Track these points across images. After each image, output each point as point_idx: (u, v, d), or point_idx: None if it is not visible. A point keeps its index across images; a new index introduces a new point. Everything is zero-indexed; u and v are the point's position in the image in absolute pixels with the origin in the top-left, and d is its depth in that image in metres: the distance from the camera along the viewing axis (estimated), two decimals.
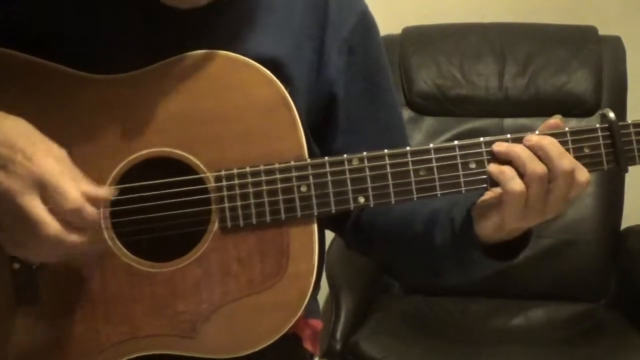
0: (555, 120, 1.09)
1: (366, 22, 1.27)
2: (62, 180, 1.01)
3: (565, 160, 1.04)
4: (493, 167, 1.07)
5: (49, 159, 1.02)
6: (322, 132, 1.23)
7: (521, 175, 1.05)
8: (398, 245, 1.24)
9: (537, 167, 1.04)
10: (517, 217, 1.06)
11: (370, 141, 1.19)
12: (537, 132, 1.08)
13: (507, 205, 1.05)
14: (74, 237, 1.02)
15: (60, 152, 1.04)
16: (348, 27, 1.24)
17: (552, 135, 1.07)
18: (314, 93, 1.22)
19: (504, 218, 1.06)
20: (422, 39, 2.80)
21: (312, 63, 1.22)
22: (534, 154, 1.05)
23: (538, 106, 2.68)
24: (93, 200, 1.02)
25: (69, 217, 1.01)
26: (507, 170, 1.05)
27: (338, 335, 2.36)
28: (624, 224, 2.72)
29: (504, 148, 1.07)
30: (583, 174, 1.06)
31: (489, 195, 1.10)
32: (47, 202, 1.00)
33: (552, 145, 1.05)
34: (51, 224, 1.00)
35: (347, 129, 1.24)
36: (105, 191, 1.05)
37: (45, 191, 1.00)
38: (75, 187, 1.01)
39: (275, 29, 1.19)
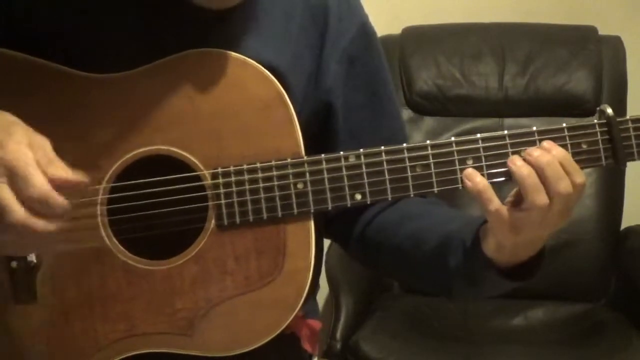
0: None
1: (366, 32, 1.27)
2: (30, 167, 0.98)
3: (562, 182, 1.02)
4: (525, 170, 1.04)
5: (22, 146, 0.99)
6: (322, 142, 1.23)
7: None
8: (407, 264, 1.23)
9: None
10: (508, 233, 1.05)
11: None
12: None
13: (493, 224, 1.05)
14: (40, 224, 0.99)
15: (38, 141, 1.01)
16: (348, 37, 1.24)
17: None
18: (312, 102, 1.22)
19: (496, 235, 1.06)
20: (422, 39, 2.80)
21: (310, 72, 1.22)
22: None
23: (538, 106, 2.68)
24: (64, 185, 1.00)
25: (36, 205, 0.98)
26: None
27: (338, 335, 2.36)
28: (624, 224, 2.71)
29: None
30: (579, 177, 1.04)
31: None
32: (15, 189, 0.98)
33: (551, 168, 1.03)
34: (17, 210, 0.97)
35: (347, 139, 1.24)
36: (75, 176, 1.01)
37: (14, 178, 0.97)
38: (43, 174, 0.98)
39: (274, 38, 1.19)
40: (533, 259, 1.09)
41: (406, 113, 2.71)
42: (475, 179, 1.05)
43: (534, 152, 1.04)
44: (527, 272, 1.10)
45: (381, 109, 1.28)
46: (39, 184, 0.97)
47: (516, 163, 1.04)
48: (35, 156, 0.99)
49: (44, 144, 1.01)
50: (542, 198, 1.02)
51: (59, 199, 0.99)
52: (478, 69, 2.73)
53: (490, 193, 1.04)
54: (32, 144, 0.99)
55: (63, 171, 1.00)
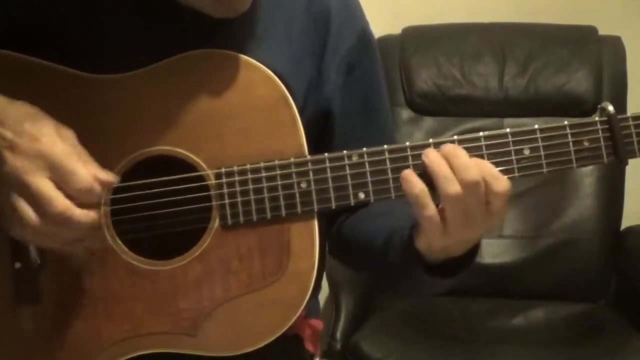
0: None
1: (365, 39, 1.27)
2: (71, 160, 1.01)
3: (471, 171, 1.02)
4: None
5: (57, 140, 1.02)
6: (318, 147, 1.22)
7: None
8: (368, 261, 1.25)
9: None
10: (439, 236, 1.05)
11: None
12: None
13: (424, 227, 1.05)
14: (81, 215, 1.01)
15: (67, 133, 1.04)
16: (347, 46, 1.24)
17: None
18: (312, 107, 1.22)
19: (427, 237, 1.06)
20: (422, 39, 2.80)
21: (311, 79, 1.22)
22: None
23: (538, 106, 2.68)
24: (100, 183, 1.03)
25: (79, 196, 1.01)
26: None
27: (338, 335, 2.36)
28: (624, 224, 2.72)
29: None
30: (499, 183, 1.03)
31: None
32: (56, 182, 1.00)
33: (441, 165, 1.03)
34: (59, 200, 1.00)
35: (340, 145, 1.22)
36: (111, 176, 1.05)
37: (54, 171, 1.00)
38: (85, 167, 1.02)
39: (276, 44, 1.20)
40: (462, 257, 1.09)
41: (406, 113, 2.71)
42: (413, 179, 1.04)
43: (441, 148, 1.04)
44: (458, 268, 1.10)
45: (373, 119, 1.29)
46: (83, 176, 1.01)
47: (429, 155, 1.04)
48: (69, 148, 1.02)
49: (70, 135, 1.04)
50: (454, 187, 1.01)
51: (99, 189, 1.02)
52: (478, 69, 2.73)
53: (427, 198, 1.03)
54: (62, 136, 1.03)
55: (100, 170, 1.04)
